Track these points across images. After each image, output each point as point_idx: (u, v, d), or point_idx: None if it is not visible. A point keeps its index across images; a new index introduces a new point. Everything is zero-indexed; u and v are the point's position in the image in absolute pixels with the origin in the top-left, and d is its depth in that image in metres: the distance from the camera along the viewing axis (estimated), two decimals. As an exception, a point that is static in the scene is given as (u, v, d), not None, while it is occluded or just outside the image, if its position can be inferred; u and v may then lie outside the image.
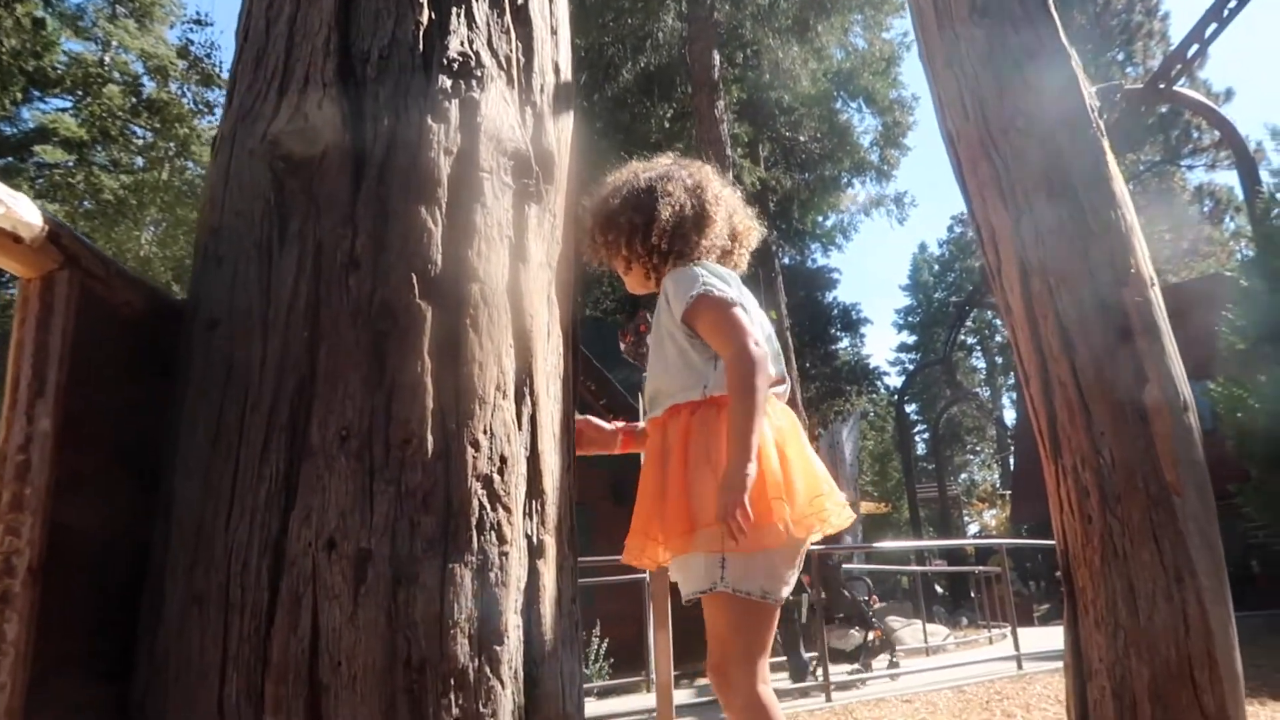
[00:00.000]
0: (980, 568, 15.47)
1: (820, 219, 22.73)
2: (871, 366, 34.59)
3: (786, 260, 23.92)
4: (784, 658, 7.38)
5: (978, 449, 38.04)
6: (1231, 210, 27.93)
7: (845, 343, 32.49)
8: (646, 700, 4.85)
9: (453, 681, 1.07)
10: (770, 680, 1.91)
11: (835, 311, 30.39)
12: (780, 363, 2.04)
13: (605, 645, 8.95)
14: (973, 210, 3.01)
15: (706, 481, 1.82)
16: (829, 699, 6.21)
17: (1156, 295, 2.64)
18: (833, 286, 29.88)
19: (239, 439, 1.13)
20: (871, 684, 6.88)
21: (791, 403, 2.19)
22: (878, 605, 8.69)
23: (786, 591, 1.92)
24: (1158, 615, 2.26)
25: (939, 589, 18.15)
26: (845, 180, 21.49)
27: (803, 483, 1.87)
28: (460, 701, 1.07)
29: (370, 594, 1.06)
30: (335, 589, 1.05)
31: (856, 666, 7.59)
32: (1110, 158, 2.84)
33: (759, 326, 1.98)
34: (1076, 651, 2.43)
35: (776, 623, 1.94)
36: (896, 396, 30.27)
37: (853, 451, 19.77)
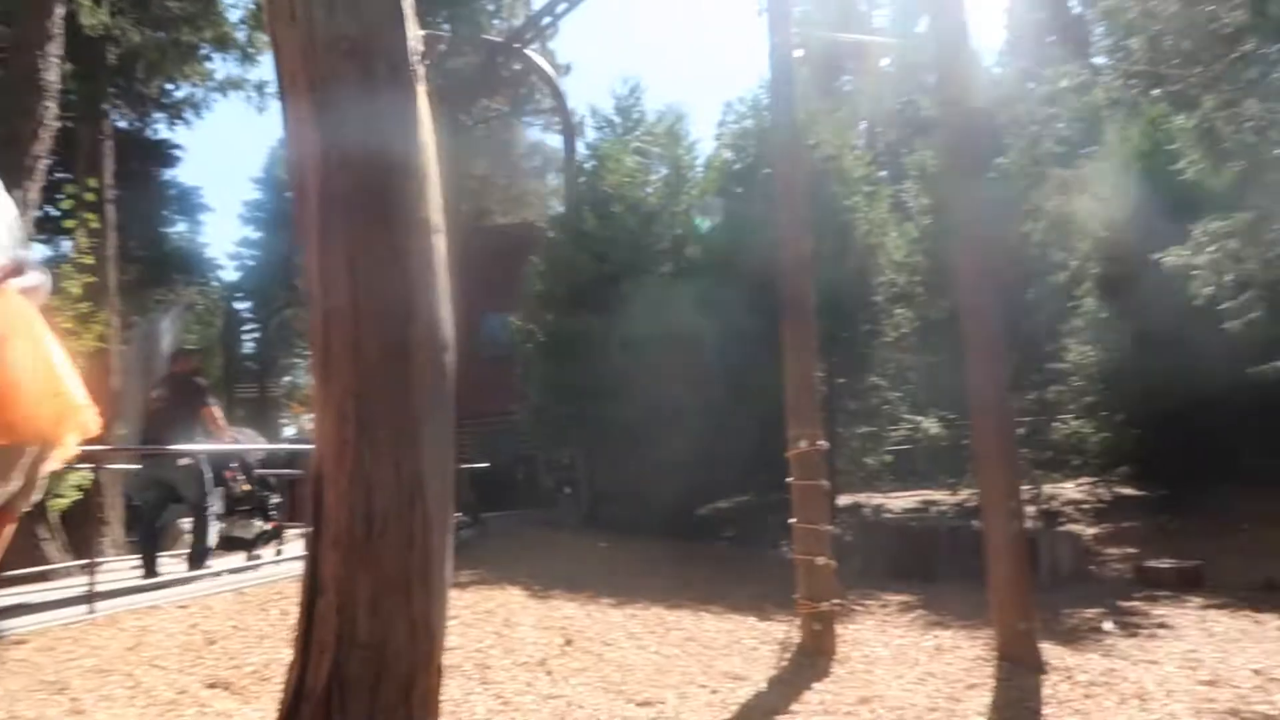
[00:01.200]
0: (289, 471, 15.58)
1: (170, 87, 20.19)
2: (207, 257, 32.14)
3: (122, 124, 20.71)
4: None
5: (306, 353, 38.26)
6: (555, 169, 32.19)
7: (181, 227, 29.55)
8: None
9: None
10: None
11: (173, 192, 27.32)
12: (24, 250, 1.87)
13: None
14: (288, 126, 2.91)
15: None
16: (93, 609, 5.62)
17: (439, 242, 2.86)
18: (174, 164, 26.71)
19: None
20: (146, 593, 6.46)
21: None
22: (277, 500, 9.20)
23: (2, 493, 1.75)
24: (388, 533, 2.50)
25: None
26: (205, 52, 19.43)
27: (28, 385, 1.70)
28: None
29: None
30: None
31: (256, 553, 8.31)
32: (422, 102, 2.95)
33: None
34: (312, 568, 2.56)
35: None
36: (229, 292, 28.70)
37: (172, 343, 18.45)
